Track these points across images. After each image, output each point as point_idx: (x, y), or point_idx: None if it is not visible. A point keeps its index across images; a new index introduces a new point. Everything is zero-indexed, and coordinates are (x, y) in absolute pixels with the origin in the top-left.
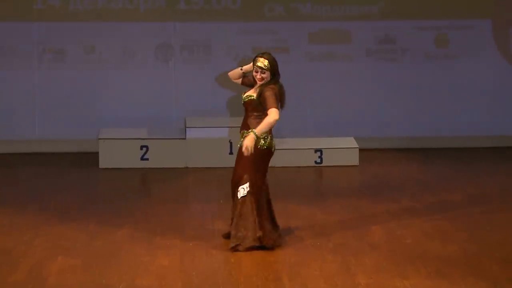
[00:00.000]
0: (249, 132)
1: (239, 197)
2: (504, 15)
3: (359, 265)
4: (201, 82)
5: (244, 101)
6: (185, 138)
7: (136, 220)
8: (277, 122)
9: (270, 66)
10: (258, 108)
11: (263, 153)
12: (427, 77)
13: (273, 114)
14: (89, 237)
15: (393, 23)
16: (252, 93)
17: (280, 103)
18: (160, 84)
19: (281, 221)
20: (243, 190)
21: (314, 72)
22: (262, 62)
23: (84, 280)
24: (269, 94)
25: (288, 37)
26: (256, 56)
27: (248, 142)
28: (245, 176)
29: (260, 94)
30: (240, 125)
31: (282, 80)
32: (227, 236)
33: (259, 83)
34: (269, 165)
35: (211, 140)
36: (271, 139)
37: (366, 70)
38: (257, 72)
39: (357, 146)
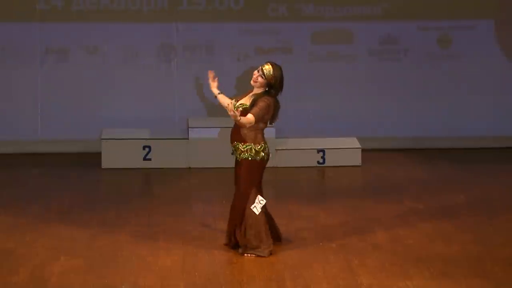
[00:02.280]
0: (246, 145)
1: (257, 213)
2: (506, 16)
3: (362, 266)
4: (204, 82)
5: (236, 110)
6: (187, 139)
7: (139, 221)
8: (249, 126)
9: (271, 76)
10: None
11: (261, 165)
12: (430, 78)
13: (248, 119)
14: (91, 237)
15: (396, 23)
16: (245, 102)
17: (272, 117)
18: (162, 85)
19: (283, 222)
20: (259, 205)
21: (317, 72)
22: (268, 68)
23: (87, 281)
24: (261, 106)
25: (291, 37)
26: (268, 61)
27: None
28: (251, 196)
29: (253, 103)
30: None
31: (285, 80)
32: (232, 244)
33: (253, 83)
34: (272, 165)
35: (214, 140)
36: (267, 148)
37: (369, 70)
38: (258, 71)
39: (360, 147)
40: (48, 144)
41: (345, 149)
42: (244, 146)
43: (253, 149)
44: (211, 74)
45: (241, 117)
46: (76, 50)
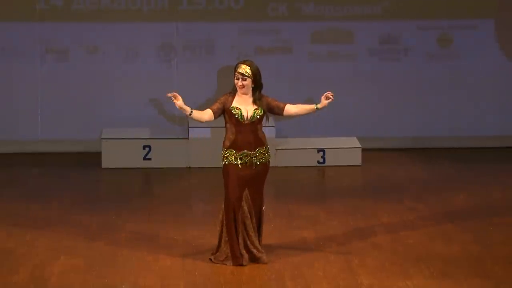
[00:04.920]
0: (265, 147)
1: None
2: (506, 16)
3: (362, 266)
4: (204, 82)
5: (255, 119)
6: (187, 138)
7: (139, 220)
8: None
9: (252, 74)
10: (262, 120)
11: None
12: (430, 77)
13: (290, 107)
14: (91, 237)
15: (396, 23)
16: (255, 108)
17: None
18: (162, 84)
19: (283, 221)
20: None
21: (317, 72)
22: (244, 69)
23: (86, 280)
24: (273, 98)
25: (290, 37)
26: (238, 63)
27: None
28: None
29: (266, 104)
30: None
31: (285, 80)
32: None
33: (240, 91)
34: (272, 165)
35: (214, 140)
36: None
37: (369, 70)
38: (238, 79)
39: (360, 146)
40: (48, 144)
41: (345, 149)
42: (264, 149)
43: (268, 149)
44: (172, 95)
45: (290, 110)
46: (76, 50)
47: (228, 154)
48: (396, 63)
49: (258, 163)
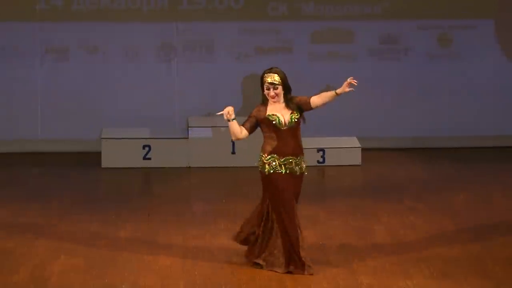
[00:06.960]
0: (304, 157)
1: None
2: (506, 16)
3: (362, 265)
4: (204, 81)
5: (293, 123)
6: (187, 138)
7: (139, 220)
8: None
9: (281, 80)
10: (300, 124)
11: None
12: (430, 77)
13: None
14: (91, 237)
15: (396, 22)
16: (290, 112)
17: None
18: (162, 84)
19: None
20: None
21: (317, 72)
22: (272, 77)
23: (86, 280)
24: (298, 96)
25: (290, 36)
26: (264, 73)
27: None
28: None
29: (297, 104)
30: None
31: None
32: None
33: (272, 100)
34: None
35: (214, 139)
36: None
37: (369, 69)
38: (269, 89)
39: (360, 146)
40: (48, 143)
41: (345, 149)
42: (304, 157)
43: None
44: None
45: (316, 101)
46: (76, 50)
47: (270, 159)
48: (396, 63)
49: (298, 173)
